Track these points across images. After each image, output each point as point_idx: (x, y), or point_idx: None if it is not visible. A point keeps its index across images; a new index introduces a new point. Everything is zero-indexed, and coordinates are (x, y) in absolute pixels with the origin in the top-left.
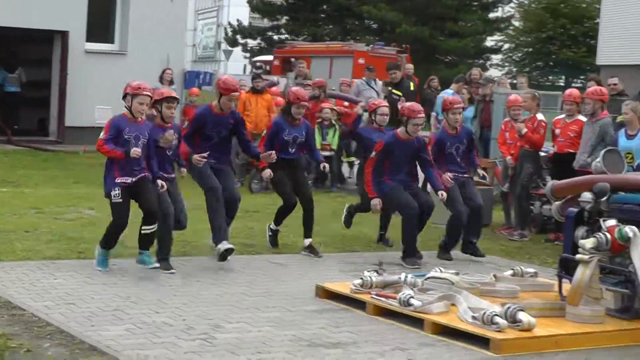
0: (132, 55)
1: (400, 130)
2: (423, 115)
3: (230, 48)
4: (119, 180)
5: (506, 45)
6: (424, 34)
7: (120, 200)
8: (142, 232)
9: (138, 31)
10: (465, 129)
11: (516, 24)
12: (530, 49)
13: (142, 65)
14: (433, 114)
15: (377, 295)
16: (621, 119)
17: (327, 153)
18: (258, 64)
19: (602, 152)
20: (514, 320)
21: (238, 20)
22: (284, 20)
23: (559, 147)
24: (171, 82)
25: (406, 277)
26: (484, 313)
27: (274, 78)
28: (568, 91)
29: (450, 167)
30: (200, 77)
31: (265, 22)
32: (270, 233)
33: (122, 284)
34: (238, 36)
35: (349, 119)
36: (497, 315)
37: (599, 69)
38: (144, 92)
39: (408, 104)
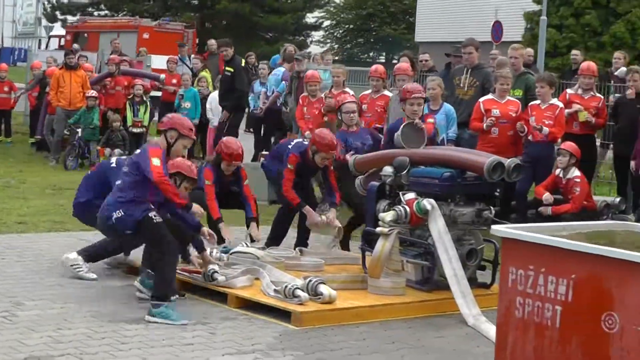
0: None
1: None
2: (334, 151)
3: (50, 24)
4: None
5: (327, 22)
6: (244, 10)
7: (161, 219)
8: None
9: None
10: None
11: (337, 0)
12: (351, 26)
13: None
14: (262, 89)
15: (182, 270)
16: (428, 94)
17: (138, 130)
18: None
19: (402, 126)
20: (315, 293)
21: None
22: None
23: (367, 123)
24: None
25: (211, 252)
26: (286, 286)
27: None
28: (373, 67)
29: None
30: (15, 54)
31: None
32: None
33: None
34: (57, 12)
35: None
36: (298, 288)
37: (417, 45)
38: (192, 136)
39: (319, 132)
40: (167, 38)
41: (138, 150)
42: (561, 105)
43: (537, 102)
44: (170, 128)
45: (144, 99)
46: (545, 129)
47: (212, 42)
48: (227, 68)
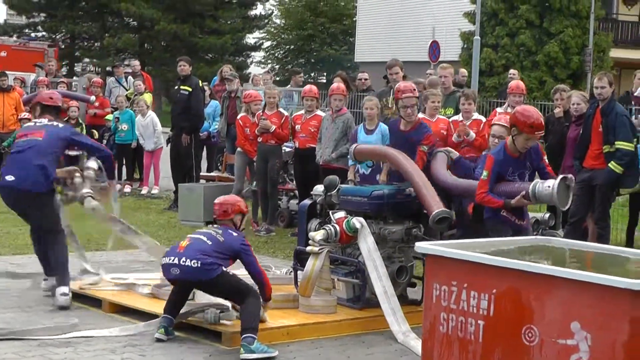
0: None
1: None
2: (540, 132)
3: None
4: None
5: (267, 43)
6: (184, 31)
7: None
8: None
9: None
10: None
11: (278, 21)
12: (292, 46)
13: None
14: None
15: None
16: (365, 114)
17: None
18: None
19: (558, 179)
20: None
21: None
22: (41, 17)
23: (301, 143)
24: None
25: None
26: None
27: None
28: (307, 87)
29: None
30: None
31: (23, 19)
32: None
33: None
34: None
35: None
36: (223, 311)
37: (357, 65)
38: None
39: (523, 109)
40: (26, 56)
41: (235, 234)
42: (484, 119)
43: (459, 117)
44: None
45: (79, 121)
46: (472, 134)
47: (135, 63)
48: (182, 87)
